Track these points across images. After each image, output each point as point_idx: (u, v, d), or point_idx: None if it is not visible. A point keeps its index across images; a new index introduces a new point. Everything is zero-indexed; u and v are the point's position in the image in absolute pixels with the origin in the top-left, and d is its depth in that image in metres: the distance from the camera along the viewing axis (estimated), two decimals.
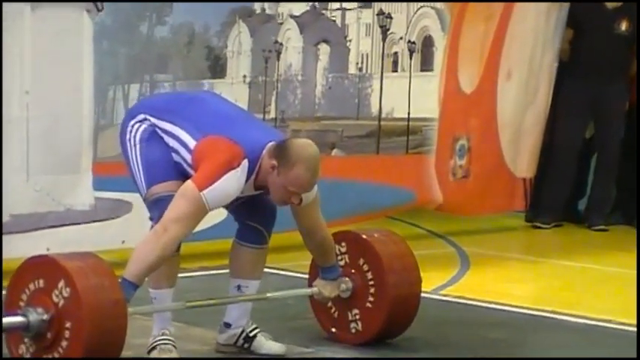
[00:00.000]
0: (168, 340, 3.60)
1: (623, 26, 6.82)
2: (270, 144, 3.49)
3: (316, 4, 6.04)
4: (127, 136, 3.59)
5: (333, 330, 3.95)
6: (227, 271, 3.77)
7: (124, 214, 5.02)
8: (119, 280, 3.30)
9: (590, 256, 6.00)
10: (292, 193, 3.46)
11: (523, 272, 5.73)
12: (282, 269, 5.06)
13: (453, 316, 4.50)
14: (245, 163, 3.43)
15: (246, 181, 3.46)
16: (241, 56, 5.71)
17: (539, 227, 6.92)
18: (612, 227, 6.87)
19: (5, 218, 4.69)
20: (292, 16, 5.95)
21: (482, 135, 6.56)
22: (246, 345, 3.74)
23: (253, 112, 5.30)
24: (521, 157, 6.82)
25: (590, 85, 6.79)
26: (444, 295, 4.83)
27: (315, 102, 6.04)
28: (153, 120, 3.58)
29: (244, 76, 5.72)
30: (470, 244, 6.22)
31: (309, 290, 3.88)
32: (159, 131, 3.57)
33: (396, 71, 6.39)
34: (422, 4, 6.34)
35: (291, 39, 5.93)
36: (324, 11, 6.12)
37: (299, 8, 5.96)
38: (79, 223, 4.94)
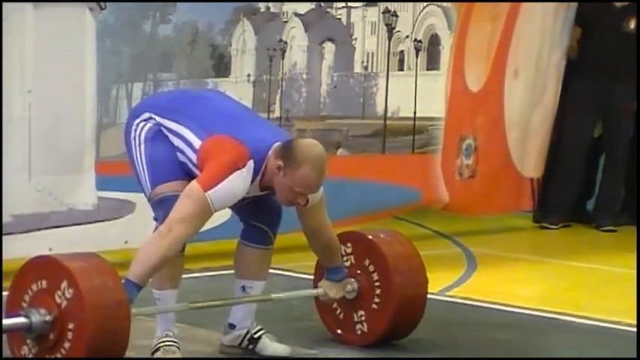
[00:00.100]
0: (172, 341, 3.60)
1: (632, 25, 6.81)
2: (276, 144, 3.49)
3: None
4: (132, 135, 3.59)
5: (339, 331, 3.95)
6: (231, 271, 3.77)
7: (128, 214, 5.02)
8: (122, 281, 3.30)
9: (599, 256, 6.00)
10: (298, 194, 3.46)
11: (530, 273, 5.73)
12: (287, 270, 5.06)
13: (459, 317, 4.50)
14: (251, 163, 3.43)
15: (252, 181, 3.46)
16: (245, 55, 5.71)
17: (547, 227, 6.92)
18: (621, 228, 6.86)
19: (7, 219, 4.69)
20: (297, 15, 5.95)
21: (489, 134, 6.56)
22: (250, 346, 3.74)
23: (257, 111, 5.30)
24: (529, 157, 6.82)
25: (599, 84, 6.79)
26: (451, 296, 4.83)
27: (320, 101, 6.04)
28: (158, 119, 3.58)
29: (248, 75, 5.73)
30: (476, 244, 6.21)
31: (314, 291, 3.88)
32: (164, 130, 3.56)
33: (402, 70, 6.39)
34: (428, 2, 6.34)
35: (296, 37, 5.93)
36: (329, 9, 6.12)
37: (304, 6, 5.96)
38: (81, 224, 4.94)
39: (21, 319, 3.25)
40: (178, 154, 3.54)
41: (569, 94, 6.87)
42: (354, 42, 6.21)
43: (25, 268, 3.34)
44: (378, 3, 6.20)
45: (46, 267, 3.29)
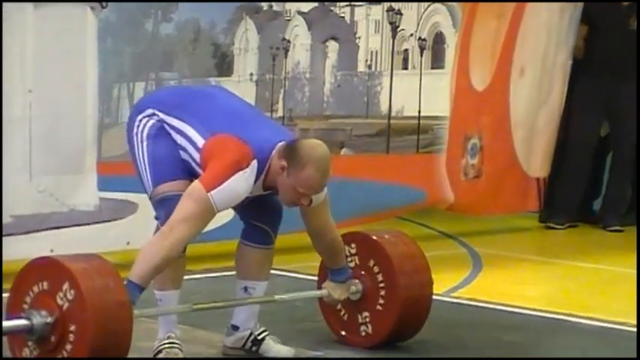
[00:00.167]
0: (175, 343, 3.60)
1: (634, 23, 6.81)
2: (280, 144, 3.48)
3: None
4: (134, 131, 3.58)
5: (343, 333, 3.95)
6: (234, 272, 3.77)
7: (129, 214, 5.02)
8: (124, 282, 3.30)
9: (606, 257, 5.99)
10: (302, 195, 3.46)
11: (536, 274, 5.72)
12: (291, 271, 5.06)
13: (464, 318, 4.49)
14: (254, 163, 3.43)
15: (255, 181, 3.45)
16: (248, 54, 5.71)
17: (553, 228, 6.91)
18: (628, 228, 6.85)
19: (8, 219, 4.69)
20: (300, 13, 5.94)
21: (495, 133, 6.56)
22: (254, 348, 3.73)
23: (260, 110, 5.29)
24: (535, 156, 6.81)
25: (605, 83, 6.78)
26: (456, 297, 4.83)
27: (323, 100, 6.04)
28: (161, 115, 3.56)
29: (251, 74, 5.72)
30: (482, 245, 6.21)
31: (318, 292, 3.88)
32: (167, 127, 3.55)
33: (407, 69, 6.38)
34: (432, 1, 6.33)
35: (299, 36, 5.92)
36: (332, 8, 6.12)
37: (307, 5, 5.95)
38: (83, 224, 4.94)
39: (22, 321, 3.25)
40: (181, 152, 3.54)
41: (575, 93, 6.86)
42: (357, 40, 6.20)
43: (26, 270, 3.34)
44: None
45: (47, 268, 3.29)
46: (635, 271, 5.42)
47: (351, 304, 3.89)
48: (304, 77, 5.94)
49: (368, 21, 6.24)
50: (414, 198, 6.26)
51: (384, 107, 6.18)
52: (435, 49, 6.43)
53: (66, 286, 3.20)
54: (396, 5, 6.23)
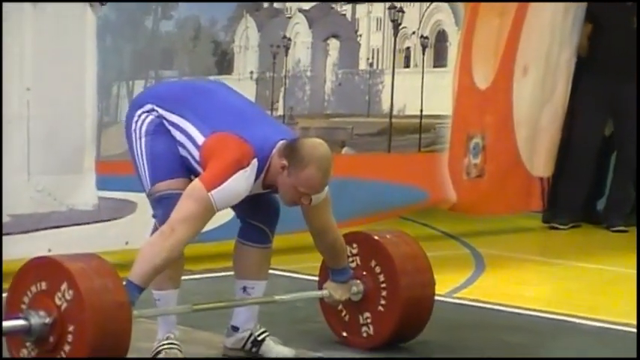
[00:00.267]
0: (174, 344, 3.61)
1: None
2: (281, 142, 3.48)
3: None
4: (133, 127, 3.57)
5: (344, 334, 3.95)
6: (233, 272, 3.77)
7: (128, 214, 5.02)
8: (124, 283, 3.30)
9: (609, 257, 5.99)
10: (302, 194, 3.46)
11: (540, 274, 5.72)
12: (292, 271, 5.06)
13: (467, 319, 4.49)
14: (255, 162, 3.43)
15: (255, 180, 3.45)
16: (248, 51, 5.71)
17: (557, 228, 6.91)
18: (632, 228, 6.85)
19: (6, 219, 4.70)
20: (301, 11, 5.95)
21: (498, 133, 6.56)
22: (254, 349, 3.74)
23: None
24: (538, 156, 6.81)
25: (609, 82, 6.78)
26: (458, 298, 4.83)
27: (324, 99, 6.04)
28: (160, 111, 3.55)
29: (251, 72, 5.73)
30: (485, 245, 6.21)
31: (319, 293, 3.88)
32: (166, 123, 3.54)
33: (408, 67, 6.38)
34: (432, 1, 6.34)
35: (300, 34, 5.93)
36: (333, 5, 6.12)
37: (308, 2, 5.96)
38: (81, 224, 4.94)
39: (20, 322, 3.25)
40: (180, 148, 3.53)
41: (579, 92, 6.86)
42: (359, 38, 6.20)
43: (24, 270, 3.34)
44: None
45: (45, 268, 3.29)
46: None
47: (353, 305, 3.89)
48: (305, 75, 5.94)
49: (369, 18, 6.25)
50: (415, 198, 6.26)
51: (385, 106, 6.19)
52: (437, 47, 6.43)
53: (64, 286, 3.20)
54: (397, 3, 6.23)
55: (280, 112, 5.79)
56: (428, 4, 6.36)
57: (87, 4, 4.93)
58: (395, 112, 6.20)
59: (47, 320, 3.22)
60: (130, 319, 3.24)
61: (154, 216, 3.54)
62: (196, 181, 3.40)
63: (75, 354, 3.19)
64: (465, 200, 6.42)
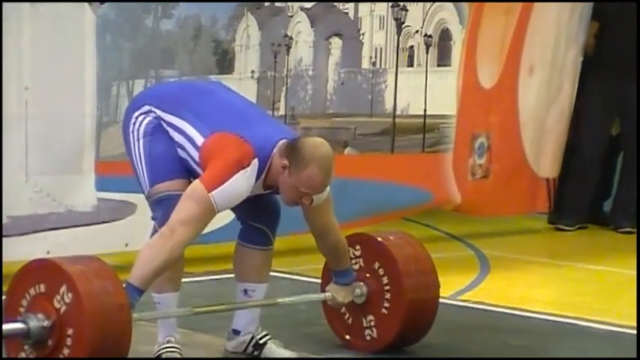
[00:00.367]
0: (174, 347, 3.61)
1: None
2: (281, 142, 3.48)
3: None
4: (130, 129, 3.57)
5: (347, 337, 3.95)
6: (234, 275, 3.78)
7: (128, 215, 5.03)
8: (123, 285, 3.31)
9: (616, 259, 5.99)
10: (304, 194, 3.46)
11: (546, 276, 5.72)
12: (294, 273, 5.06)
13: (472, 322, 4.49)
14: (255, 162, 3.43)
15: (256, 180, 3.45)
16: (249, 50, 5.72)
17: (563, 229, 6.91)
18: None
19: (4, 220, 4.70)
20: (303, 9, 5.95)
21: (503, 133, 6.56)
22: (255, 352, 3.74)
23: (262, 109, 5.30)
24: (544, 156, 6.81)
25: (616, 82, 6.78)
26: (463, 301, 4.83)
27: (326, 98, 6.04)
28: (158, 112, 3.56)
29: (252, 72, 5.73)
30: (490, 246, 6.21)
31: (321, 295, 3.88)
32: (164, 124, 3.55)
33: (412, 66, 6.39)
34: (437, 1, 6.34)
35: (302, 32, 5.93)
36: (336, 3, 6.12)
37: (310, 1, 5.96)
38: (81, 225, 4.95)
39: (18, 325, 3.25)
40: (179, 149, 3.53)
41: (585, 91, 6.86)
42: (361, 37, 6.20)
43: (23, 272, 3.34)
44: None
45: (44, 271, 3.29)
46: None
47: (356, 308, 3.89)
48: (307, 75, 5.94)
49: (372, 17, 6.25)
50: (419, 198, 6.26)
51: (388, 105, 6.19)
52: (441, 45, 6.44)
53: (63, 288, 3.21)
54: (401, 1, 6.23)
55: (282, 111, 5.79)
56: (431, 2, 6.36)
57: (85, 3, 4.93)
58: (398, 112, 6.20)
59: (46, 323, 3.22)
60: (129, 322, 3.24)
61: (153, 218, 3.55)
62: (196, 182, 3.40)
63: (74, 357, 3.19)
64: (469, 201, 6.42)
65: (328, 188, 3.56)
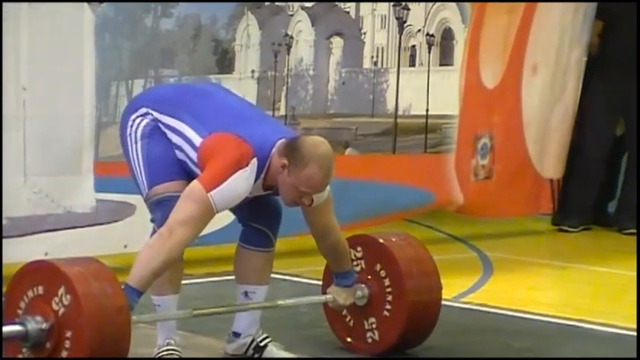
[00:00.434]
0: (174, 349, 3.61)
1: None
2: (280, 141, 3.48)
3: None
4: (128, 132, 3.58)
5: (349, 339, 3.95)
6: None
7: (127, 216, 5.03)
8: (122, 287, 3.31)
9: (621, 261, 5.99)
10: (303, 194, 3.46)
11: (549, 278, 5.73)
12: (295, 275, 5.07)
13: (475, 324, 4.50)
14: (254, 161, 3.43)
15: (255, 180, 3.46)
16: (250, 50, 5.72)
17: (567, 231, 6.91)
18: None
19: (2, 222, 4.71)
20: (303, 8, 5.95)
21: (506, 133, 6.56)
22: (256, 355, 3.74)
23: (262, 109, 5.30)
24: (548, 157, 6.81)
25: (620, 81, 6.78)
26: (466, 303, 4.83)
27: (327, 98, 6.04)
28: (155, 114, 3.57)
29: (253, 71, 5.73)
30: (493, 248, 6.21)
31: (323, 297, 3.88)
32: (161, 126, 3.55)
33: (414, 66, 6.39)
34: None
35: (303, 32, 5.93)
36: (337, 2, 6.12)
37: (311, 1, 5.96)
38: (79, 227, 4.95)
39: (16, 327, 3.25)
40: (177, 151, 3.54)
41: (590, 91, 6.86)
42: (363, 36, 6.21)
43: (21, 274, 3.34)
44: None
45: (42, 272, 3.30)
46: None
47: (357, 310, 3.89)
48: (307, 74, 5.95)
49: (374, 16, 6.25)
50: (422, 200, 6.26)
51: (390, 105, 6.19)
52: (443, 45, 6.44)
53: (62, 290, 3.21)
54: (402, 0, 6.23)
55: (282, 112, 5.79)
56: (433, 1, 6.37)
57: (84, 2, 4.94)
58: (400, 112, 6.20)
59: (44, 326, 3.23)
60: (129, 324, 3.24)
61: (152, 220, 3.55)
62: (195, 182, 3.41)
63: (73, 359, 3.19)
64: (472, 202, 6.43)
65: (328, 188, 3.56)
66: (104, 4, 5.01)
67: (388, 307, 3.85)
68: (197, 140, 3.49)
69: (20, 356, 3.31)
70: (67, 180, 4.94)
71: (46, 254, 4.51)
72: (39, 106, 4.84)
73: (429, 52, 6.37)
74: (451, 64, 6.45)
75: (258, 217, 3.68)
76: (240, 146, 3.42)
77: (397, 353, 3.88)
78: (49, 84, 4.86)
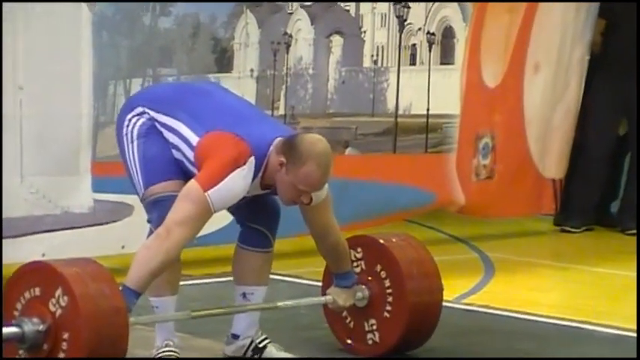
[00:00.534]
0: (173, 351, 3.61)
1: None
2: (278, 139, 3.48)
3: None
4: (124, 131, 3.58)
5: (349, 341, 3.96)
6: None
7: (125, 217, 5.03)
8: (120, 288, 3.31)
9: (623, 262, 5.99)
10: (302, 192, 3.46)
11: (551, 279, 5.73)
12: (294, 276, 5.07)
13: (476, 325, 4.50)
14: (252, 160, 3.43)
15: (253, 179, 3.46)
16: (249, 49, 5.72)
17: (569, 231, 6.91)
18: None
19: None
20: (303, 6, 5.95)
21: (508, 132, 6.56)
22: (255, 356, 3.74)
23: (261, 108, 5.31)
24: (550, 157, 6.81)
25: (623, 80, 6.77)
26: (467, 304, 4.83)
27: (327, 97, 6.05)
28: (152, 113, 3.57)
29: (252, 70, 5.74)
30: (494, 249, 6.21)
31: (322, 299, 3.88)
32: (158, 126, 3.55)
33: (414, 64, 6.39)
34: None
35: (302, 30, 5.94)
36: (337, 1, 6.12)
37: (311, 0, 5.96)
38: (76, 227, 4.95)
39: (13, 329, 3.25)
40: (173, 151, 3.54)
41: (592, 90, 6.86)
42: (363, 35, 6.21)
43: (17, 275, 3.35)
44: None
45: (39, 273, 3.30)
46: None
47: (357, 311, 3.89)
48: (307, 73, 5.95)
49: (374, 14, 6.25)
50: (422, 200, 6.26)
51: (390, 105, 6.19)
52: (444, 43, 6.44)
53: (59, 291, 3.21)
54: None
55: (281, 111, 5.79)
56: None
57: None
58: (400, 112, 6.20)
59: (41, 327, 3.23)
60: (126, 325, 3.24)
61: (148, 220, 3.55)
62: (192, 182, 3.41)
63: None
64: (473, 202, 6.43)
65: (327, 187, 3.56)
66: (101, 2, 5.01)
67: (389, 308, 3.85)
68: (194, 139, 3.49)
69: (17, 358, 3.31)
70: (64, 180, 4.95)
71: (43, 255, 4.51)
72: (36, 105, 4.84)
73: (430, 51, 6.37)
74: (452, 63, 6.45)
75: (256, 218, 3.68)
76: (238, 145, 3.42)
77: (398, 355, 3.88)
78: (45, 83, 4.86)
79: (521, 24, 6.52)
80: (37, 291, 3.27)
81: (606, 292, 5.38)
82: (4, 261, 4.37)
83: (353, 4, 6.20)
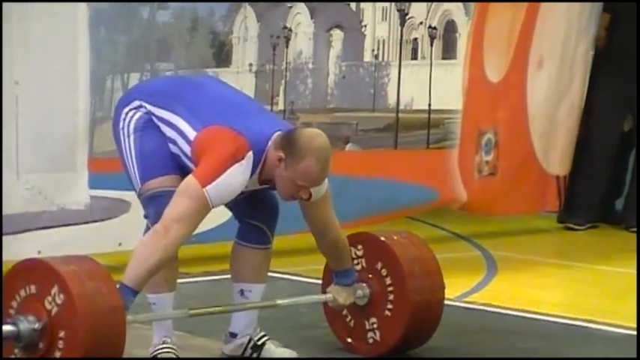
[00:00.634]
0: (170, 348, 3.62)
1: None
2: (277, 134, 3.48)
3: None
4: (121, 125, 3.58)
5: (349, 340, 3.96)
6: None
7: (122, 214, 5.04)
8: (117, 286, 3.32)
9: (628, 260, 5.99)
10: (301, 188, 3.45)
11: (555, 277, 5.73)
12: (294, 274, 5.07)
13: (478, 324, 4.50)
14: (250, 155, 3.43)
15: (251, 174, 3.46)
16: (247, 43, 5.72)
17: (573, 229, 6.92)
18: None
19: None
20: (302, 0, 5.95)
21: (511, 128, 6.56)
22: (254, 354, 3.75)
23: (260, 103, 5.31)
24: (554, 153, 6.82)
25: (628, 76, 6.77)
26: (469, 302, 4.84)
27: (327, 92, 6.05)
28: (149, 107, 3.56)
29: (250, 65, 5.74)
30: (497, 246, 6.22)
31: (322, 297, 3.89)
32: (155, 119, 3.55)
33: (416, 59, 6.39)
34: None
35: (301, 24, 5.94)
36: None
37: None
38: (73, 224, 4.96)
39: (8, 327, 3.25)
40: (170, 145, 3.54)
41: (597, 85, 6.86)
42: (363, 29, 6.21)
43: (13, 272, 3.35)
44: None
45: (35, 271, 3.30)
46: None
47: (358, 310, 3.90)
48: (307, 68, 5.95)
49: (375, 8, 6.25)
50: (424, 197, 6.27)
51: (391, 100, 6.19)
52: (446, 38, 6.44)
53: (55, 289, 3.21)
54: None
55: (281, 106, 5.79)
56: None
57: None
58: (402, 107, 6.21)
59: (37, 325, 3.23)
60: (124, 324, 3.24)
61: (145, 216, 3.55)
62: (190, 177, 3.41)
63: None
64: (476, 199, 6.43)
65: (327, 183, 3.56)
66: None
67: (390, 306, 3.85)
68: (191, 134, 3.49)
69: (12, 356, 3.31)
70: (60, 176, 4.95)
71: (40, 252, 4.52)
72: (32, 101, 4.84)
73: (432, 45, 6.37)
74: (454, 58, 6.45)
75: (254, 214, 3.68)
76: (236, 139, 3.42)
77: (399, 354, 3.88)
78: (42, 78, 4.86)
79: (524, 18, 6.52)
80: (33, 289, 3.27)
81: (610, 291, 5.39)
82: None
83: None
